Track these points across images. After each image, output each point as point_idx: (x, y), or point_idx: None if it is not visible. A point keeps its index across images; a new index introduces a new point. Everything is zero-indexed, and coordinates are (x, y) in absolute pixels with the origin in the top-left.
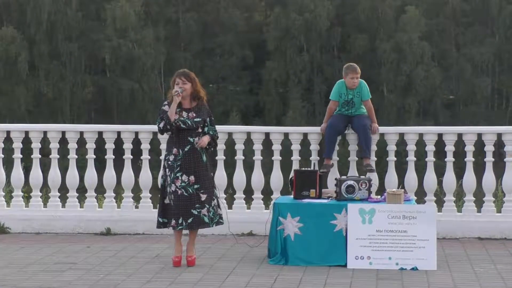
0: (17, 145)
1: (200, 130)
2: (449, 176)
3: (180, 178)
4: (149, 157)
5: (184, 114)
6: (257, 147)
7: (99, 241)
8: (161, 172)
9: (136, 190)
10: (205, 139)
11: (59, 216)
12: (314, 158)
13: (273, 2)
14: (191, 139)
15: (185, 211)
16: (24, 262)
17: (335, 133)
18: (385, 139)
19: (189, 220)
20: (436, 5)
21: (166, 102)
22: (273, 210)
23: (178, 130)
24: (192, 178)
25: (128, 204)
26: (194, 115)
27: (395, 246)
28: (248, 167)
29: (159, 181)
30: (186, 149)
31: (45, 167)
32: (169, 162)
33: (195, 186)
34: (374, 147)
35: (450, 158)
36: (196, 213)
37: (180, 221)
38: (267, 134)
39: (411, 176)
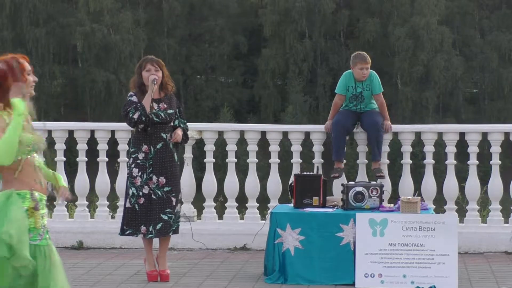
0: None
1: (171, 124)
2: (473, 182)
3: (152, 179)
4: (127, 159)
5: (155, 105)
6: (252, 148)
7: (69, 256)
8: (126, 172)
9: (113, 198)
10: (180, 133)
11: None
12: (317, 160)
13: None
14: (164, 135)
15: (155, 216)
16: None
17: (343, 132)
18: (399, 139)
19: (158, 227)
20: None
21: (132, 93)
22: (270, 220)
23: (150, 124)
24: (162, 179)
25: (103, 214)
26: (166, 106)
27: (410, 262)
28: (242, 171)
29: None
30: (158, 147)
31: None
32: (139, 161)
33: (166, 189)
34: (386, 148)
35: (473, 161)
36: (166, 218)
37: (150, 229)
38: (263, 133)
39: (429, 181)
